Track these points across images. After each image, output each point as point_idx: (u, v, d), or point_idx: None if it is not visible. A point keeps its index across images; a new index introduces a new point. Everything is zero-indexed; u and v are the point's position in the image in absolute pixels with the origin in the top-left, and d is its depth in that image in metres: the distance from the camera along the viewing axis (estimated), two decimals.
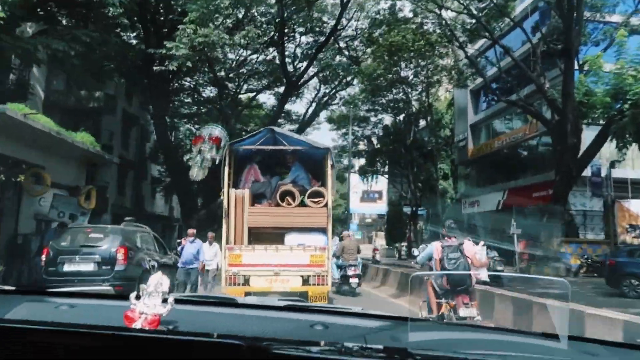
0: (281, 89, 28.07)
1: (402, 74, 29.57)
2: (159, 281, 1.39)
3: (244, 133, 27.02)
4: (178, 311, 1.54)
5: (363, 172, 40.57)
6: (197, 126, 29.55)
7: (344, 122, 37.83)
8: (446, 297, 6.36)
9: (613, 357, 1.44)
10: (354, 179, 67.12)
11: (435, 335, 1.48)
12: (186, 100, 28.73)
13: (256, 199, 8.19)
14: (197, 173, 10.31)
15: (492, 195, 28.77)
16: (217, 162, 8.97)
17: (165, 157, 23.10)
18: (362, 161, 44.90)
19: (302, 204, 8.09)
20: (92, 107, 22.73)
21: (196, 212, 21.09)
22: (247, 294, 7.68)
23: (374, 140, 39.86)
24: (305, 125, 27.86)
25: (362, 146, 41.34)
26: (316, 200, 8.13)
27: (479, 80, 25.78)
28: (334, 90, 28.66)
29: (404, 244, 40.82)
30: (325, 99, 29.00)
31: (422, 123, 36.37)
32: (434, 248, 6.90)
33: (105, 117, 23.06)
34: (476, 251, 6.67)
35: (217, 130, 9.06)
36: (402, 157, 34.90)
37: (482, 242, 6.70)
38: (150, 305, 1.36)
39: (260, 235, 8.03)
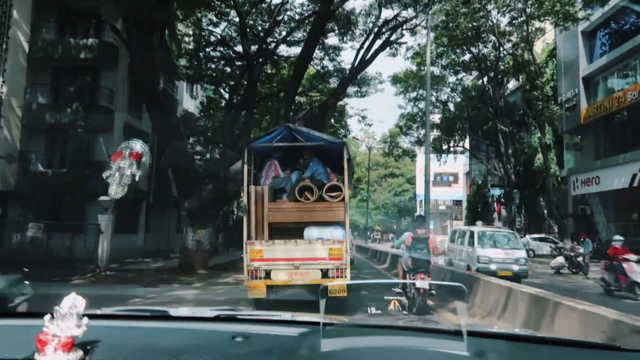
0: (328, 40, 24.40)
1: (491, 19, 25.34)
2: (73, 302, 1.38)
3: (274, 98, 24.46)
4: (102, 328, 1.60)
5: (437, 149, 35.20)
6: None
7: (412, 82, 32.18)
8: (410, 273, 9.02)
9: (515, 353, 1.53)
10: (423, 160, 62.05)
11: (346, 342, 1.54)
12: (212, 55, 25.53)
13: (277, 194, 8.66)
14: (116, 190, 10.07)
15: (622, 168, 23.03)
16: (136, 179, 8.94)
17: (150, 107, 17.60)
18: (435, 134, 38.80)
19: (321, 199, 8.31)
20: (87, 60, 20.48)
21: (198, 190, 16.71)
22: (269, 287, 8.34)
23: (451, 106, 34.27)
24: (356, 73, 22.18)
25: (435, 118, 35.52)
26: (334, 194, 8.43)
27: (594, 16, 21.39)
28: (395, 18, 22.07)
29: None
30: (384, 31, 22.31)
31: (511, 85, 31.33)
32: (406, 237, 9.48)
33: (105, 73, 20.93)
34: (437, 244, 9.66)
35: (137, 146, 9.24)
36: (489, 126, 30.00)
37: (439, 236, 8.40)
38: (63, 328, 1.32)
39: (280, 230, 8.60)
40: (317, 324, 1.60)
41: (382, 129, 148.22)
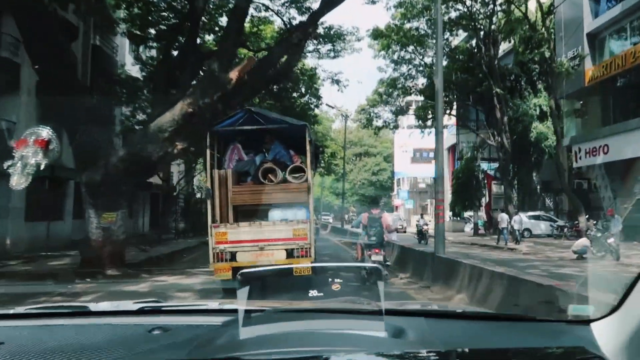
0: None
1: None
2: None
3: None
4: (10, 329, 1.57)
5: (421, 117, 32.96)
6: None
7: (396, 38, 29.04)
8: (367, 248, 10.49)
9: (433, 329, 1.55)
10: (402, 136, 57.15)
11: (265, 329, 1.51)
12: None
13: (240, 177, 8.81)
14: (18, 181, 9.37)
15: (637, 133, 20.52)
16: (42, 168, 8.39)
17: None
18: (418, 102, 36.73)
19: (284, 181, 8.45)
20: None
21: (103, 156, 12.52)
22: (235, 269, 8.45)
23: None
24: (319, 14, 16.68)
25: (419, 83, 33.53)
26: (297, 175, 8.52)
27: None
28: None
29: (480, 214, 32.38)
30: None
31: (500, 50, 29.74)
32: (362, 217, 11.04)
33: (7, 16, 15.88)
34: (389, 222, 11.45)
35: (44, 132, 8.79)
36: (482, 89, 27.70)
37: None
38: None
39: (245, 212, 8.88)
40: (232, 311, 1.65)
41: (359, 97, 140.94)
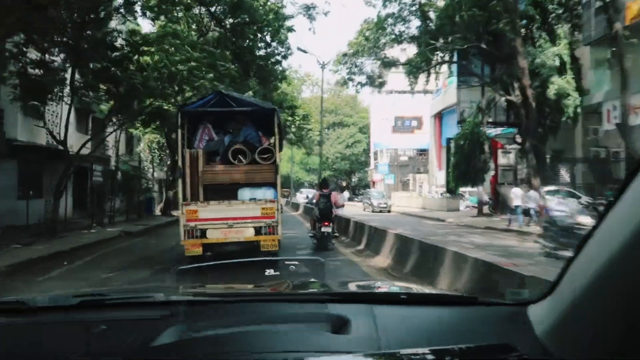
0: None
1: None
2: None
3: None
4: None
5: (413, 72, 28.14)
6: None
7: None
8: (318, 222, 12.37)
9: (372, 316, 1.56)
10: (382, 101, 53.18)
11: (212, 322, 1.55)
12: None
13: (210, 157, 9.09)
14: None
15: None
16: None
17: None
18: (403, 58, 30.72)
19: (253, 161, 8.84)
20: None
21: None
22: (205, 245, 8.70)
23: (431, 13, 26.99)
24: None
25: (412, 28, 27.99)
26: (265, 156, 8.91)
27: None
28: None
29: (481, 188, 26.62)
30: None
31: None
32: (315, 195, 13.33)
33: None
34: (337, 199, 13.01)
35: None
36: (498, 26, 22.12)
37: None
38: None
39: (215, 191, 9.19)
40: (191, 303, 1.67)
41: (338, 47, 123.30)
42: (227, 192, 9.74)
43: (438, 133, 42.81)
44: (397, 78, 46.93)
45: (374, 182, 59.89)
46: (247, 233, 9.58)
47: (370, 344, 1.42)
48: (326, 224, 12.17)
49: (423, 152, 52.80)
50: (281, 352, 1.35)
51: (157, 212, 29.91)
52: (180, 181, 9.60)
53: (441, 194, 34.56)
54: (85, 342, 1.46)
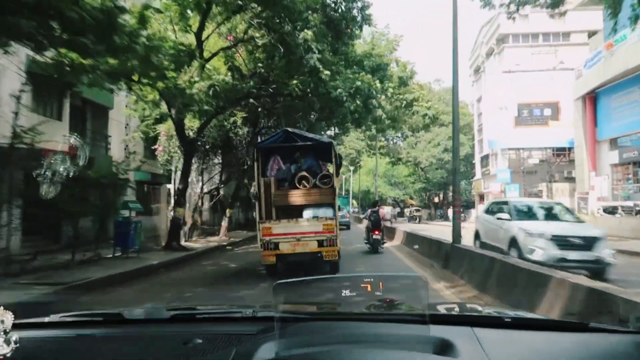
0: None
1: None
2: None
3: None
4: (41, 340, 1.57)
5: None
6: None
7: None
8: (370, 231, 16.98)
9: (481, 342, 1.49)
10: (497, 84, 40.24)
11: (304, 341, 1.52)
12: None
13: (280, 183, 11.13)
14: (47, 190, 8.82)
15: None
16: (70, 176, 7.68)
17: None
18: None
19: (315, 186, 10.84)
20: None
21: None
22: (278, 255, 10.66)
23: None
24: None
25: None
26: (325, 181, 10.86)
27: None
28: None
29: None
30: None
31: None
32: (367, 212, 18.33)
33: None
34: (384, 213, 20.59)
35: (71, 140, 8.25)
36: None
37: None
38: None
39: (284, 211, 11.10)
40: (286, 319, 1.63)
41: None
42: (294, 212, 11.89)
43: (591, 122, 31.20)
44: (519, 53, 39.10)
45: (481, 197, 46.55)
46: (312, 245, 11.61)
47: None
48: (376, 232, 16.76)
49: (561, 151, 39.30)
50: None
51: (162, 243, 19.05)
52: (256, 204, 11.87)
53: (603, 211, 25.96)
54: (182, 355, 1.49)
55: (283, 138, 11.94)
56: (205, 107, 14.47)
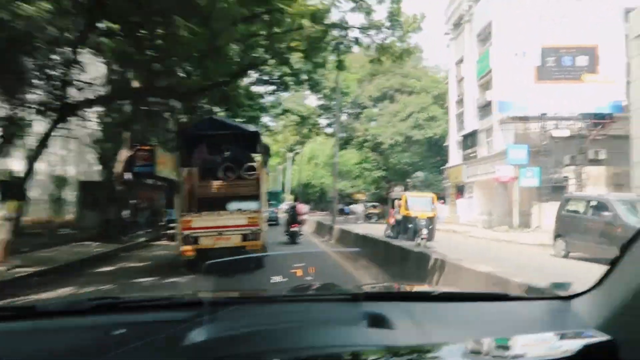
0: None
1: None
2: None
3: None
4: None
5: None
6: None
7: None
8: (289, 223, 18.58)
9: (411, 313, 1.57)
10: (508, 23, 25.00)
11: (237, 324, 1.51)
12: None
13: (204, 173, 10.51)
14: None
15: None
16: None
17: None
18: None
19: (240, 177, 10.24)
20: None
21: None
22: (198, 250, 10.01)
23: None
24: None
25: None
26: (250, 173, 10.27)
27: None
28: None
29: None
30: None
31: None
32: (287, 206, 24.52)
33: None
34: (300, 209, 19.89)
35: None
36: None
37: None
38: None
39: (207, 203, 10.48)
40: (215, 303, 1.61)
41: None
42: (218, 203, 11.30)
43: None
44: None
45: (460, 189, 34.35)
46: (235, 239, 11.05)
47: (410, 338, 1.39)
48: (294, 226, 18.46)
49: (601, 119, 25.68)
50: (320, 347, 1.33)
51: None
52: (177, 195, 11.22)
53: None
54: (104, 345, 1.42)
55: (209, 126, 11.45)
56: None
